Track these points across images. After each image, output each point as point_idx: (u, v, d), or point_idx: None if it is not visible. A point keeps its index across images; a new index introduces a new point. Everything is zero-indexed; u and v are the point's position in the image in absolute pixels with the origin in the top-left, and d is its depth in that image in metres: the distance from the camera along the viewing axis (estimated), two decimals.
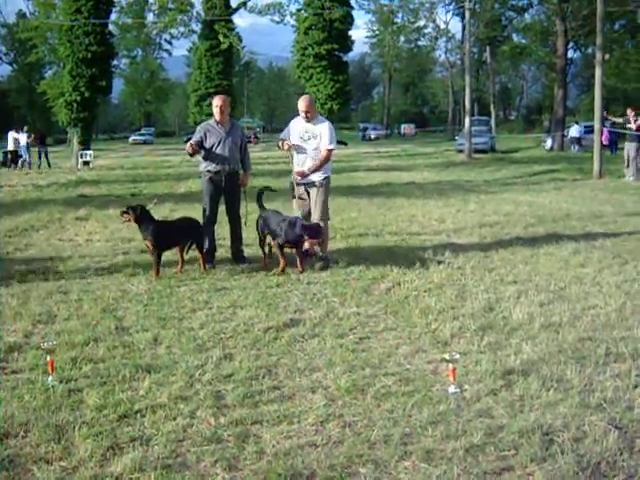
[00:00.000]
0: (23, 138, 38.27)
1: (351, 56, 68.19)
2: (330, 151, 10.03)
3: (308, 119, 10.02)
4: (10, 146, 38.64)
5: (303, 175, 10.01)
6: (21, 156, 38.13)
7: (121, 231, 13.22)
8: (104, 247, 11.75)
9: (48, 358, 5.52)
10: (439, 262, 9.90)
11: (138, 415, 4.83)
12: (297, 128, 10.18)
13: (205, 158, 10.13)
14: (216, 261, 10.17)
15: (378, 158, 42.12)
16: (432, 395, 5.12)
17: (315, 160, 9.99)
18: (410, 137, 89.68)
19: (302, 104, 9.97)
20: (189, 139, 10.59)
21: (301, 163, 10.10)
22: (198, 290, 8.55)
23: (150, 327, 6.98)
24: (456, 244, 11.48)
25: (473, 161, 37.07)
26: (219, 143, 10.04)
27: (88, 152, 39.55)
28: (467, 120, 40.51)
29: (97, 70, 40.06)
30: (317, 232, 9.49)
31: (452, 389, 5.15)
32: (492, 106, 71.03)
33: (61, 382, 5.41)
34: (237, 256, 10.36)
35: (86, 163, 38.43)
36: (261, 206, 10.35)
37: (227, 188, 10.20)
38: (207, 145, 10.05)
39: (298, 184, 10.21)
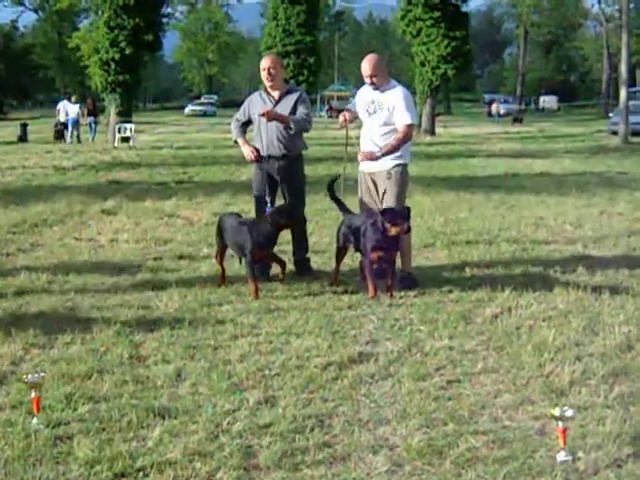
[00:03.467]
0: (74, 109, 39.71)
1: (474, 6, 68.04)
2: (409, 127, 9.60)
3: (375, 86, 9.68)
4: (62, 118, 40.97)
5: (371, 158, 9.60)
6: (67, 128, 39.84)
7: (157, 229, 13.38)
8: (132, 250, 11.88)
9: (33, 394, 5.55)
10: (568, 281, 9.71)
11: (140, 474, 4.82)
12: (363, 98, 9.96)
13: (256, 140, 10.15)
14: (273, 273, 10.16)
15: (505, 141, 41.74)
16: (533, 464, 4.96)
17: (383, 139, 9.60)
18: (551, 113, 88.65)
19: (365, 66, 9.62)
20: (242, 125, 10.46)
21: (365, 144, 9.80)
22: (245, 310, 8.57)
23: (174, 357, 6.99)
24: (594, 258, 11.27)
25: (630, 147, 36.37)
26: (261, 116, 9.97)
27: (128, 126, 40.06)
28: (623, 92, 39.74)
29: (142, 20, 40.61)
30: (402, 216, 9.07)
31: (561, 456, 4.98)
32: None
33: (48, 426, 5.44)
34: (301, 267, 10.32)
35: (125, 139, 38.94)
36: (340, 205, 10.09)
37: (284, 178, 10.14)
38: (253, 121, 10.09)
39: (361, 172, 9.99)
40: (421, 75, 49.37)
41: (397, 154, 9.65)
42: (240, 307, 8.71)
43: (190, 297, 9.05)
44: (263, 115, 9.74)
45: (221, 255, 9.79)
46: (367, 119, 9.84)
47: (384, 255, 9.14)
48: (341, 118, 10.01)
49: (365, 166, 9.87)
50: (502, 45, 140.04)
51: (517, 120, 71.32)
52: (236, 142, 10.30)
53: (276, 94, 10.06)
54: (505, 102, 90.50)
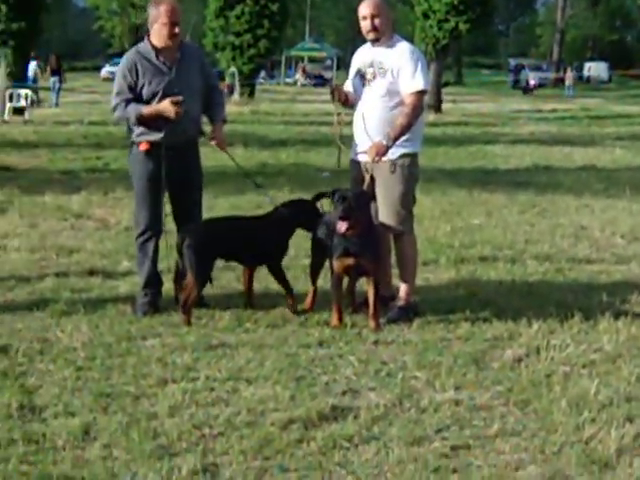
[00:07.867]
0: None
1: None
2: (420, 95, 9.43)
3: (375, 37, 9.57)
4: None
5: (383, 152, 9.28)
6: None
7: (60, 235, 13.29)
8: (25, 262, 11.81)
9: None
10: (617, 314, 9.75)
11: None
12: (358, 60, 9.91)
13: (140, 119, 9.61)
14: (220, 300, 10.10)
15: (537, 121, 41.91)
16: None
17: (388, 117, 9.43)
18: (599, 85, 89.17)
19: (364, 5, 9.60)
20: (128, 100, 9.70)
21: (360, 125, 9.66)
22: (177, 347, 8.52)
23: (80, 408, 6.95)
24: None
25: None
26: (163, 89, 9.54)
27: (23, 92, 39.88)
28: None
29: None
30: (359, 205, 9.02)
31: None
32: None
33: None
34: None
35: (19, 111, 38.70)
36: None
37: (178, 171, 9.76)
38: (144, 94, 9.64)
39: (354, 161, 9.90)
40: (423, 31, 49.27)
41: (404, 138, 9.41)
42: (171, 342, 8.65)
43: (103, 327, 9.00)
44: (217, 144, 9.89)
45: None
46: (363, 90, 9.70)
47: (354, 263, 9.10)
48: (337, 95, 9.80)
49: (359, 153, 9.75)
50: None
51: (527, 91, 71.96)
52: (140, 122, 9.61)
53: (172, 57, 9.65)
54: (538, 69, 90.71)
